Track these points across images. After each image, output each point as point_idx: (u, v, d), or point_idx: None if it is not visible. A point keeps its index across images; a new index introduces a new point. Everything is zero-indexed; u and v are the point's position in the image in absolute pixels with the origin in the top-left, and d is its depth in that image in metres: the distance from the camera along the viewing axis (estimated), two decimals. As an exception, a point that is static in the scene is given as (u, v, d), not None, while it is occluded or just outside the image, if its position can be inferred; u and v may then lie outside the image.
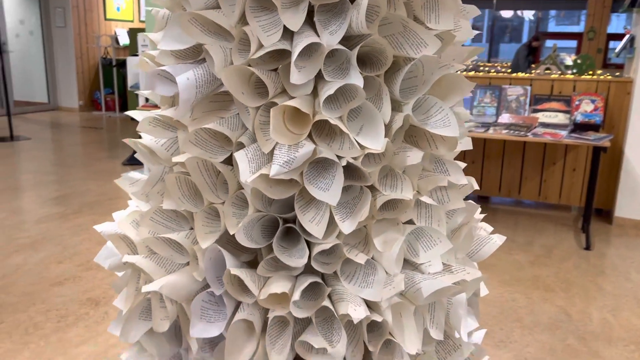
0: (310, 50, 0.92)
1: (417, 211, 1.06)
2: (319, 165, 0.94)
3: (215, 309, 0.98)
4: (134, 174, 1.21)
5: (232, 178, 0.96)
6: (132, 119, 9.04)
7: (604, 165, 4.38)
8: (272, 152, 0.92)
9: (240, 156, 0.90)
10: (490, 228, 1.27)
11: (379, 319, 0.93)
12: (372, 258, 1.00)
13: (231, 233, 0.92)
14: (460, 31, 1.00)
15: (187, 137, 0.94)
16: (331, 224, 0.95)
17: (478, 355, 1.19)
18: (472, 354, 1.19)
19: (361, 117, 0.94)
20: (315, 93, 0.94)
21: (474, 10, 1.05)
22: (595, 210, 4.53)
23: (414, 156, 0.95)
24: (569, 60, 7.14)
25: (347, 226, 0.92)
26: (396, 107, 0.97)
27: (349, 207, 0.96)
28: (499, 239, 1.20)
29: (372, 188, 0.98)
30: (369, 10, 0.91)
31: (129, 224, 1.10)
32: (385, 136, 0.92)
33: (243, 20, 0.94)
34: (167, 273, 1.00)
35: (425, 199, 1.03)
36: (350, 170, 0.96)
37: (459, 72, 0.97)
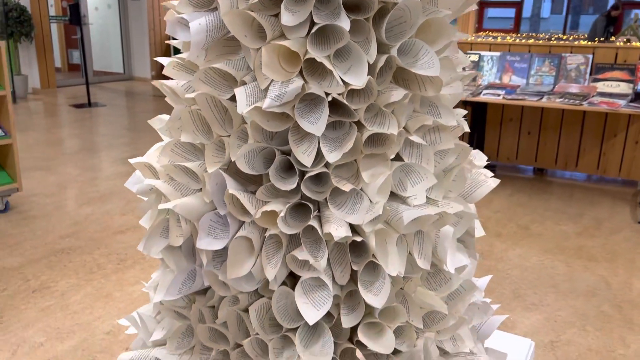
0: (304, -3, 1.02)
1: (408, 150, 1.15)
2: (311, 103, 1.05)
3: (221, 228, 1.12)
4: (164, 116, 1.37)
5: (237, 113, 1.09)
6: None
7: (669, 139, 4.17)
8: (267, 89, 1.04)
9: (239, 91, 1.02)
10: (490, 174, 1.33)
11: (358, 239, 1.04)
12: (361, 189, 1.10)
13: (232, 159, 1.06)
14: (447, -22, 1.06)
15: (197, 75, 1.07)
16: (319, 155, 1.06)
17: (469, 289, 1.27)
18: (463, 288, 1.27)
19: (350, 58, 1.03)
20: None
21: (468, -40, 1.11)
22: (658, 186, 4.35)
23: (397, 94, 1.03)
24: (651, 30, 6.72)
25: (333, 156, 1.03)
26: (385, 50, 1.06)
27: (338, 142, 1.06)
28: (493, 182, 1.27)
29: (360, 125, 1.07)
30: (359, -41, 0.99)
31: (155, 157, 1.25)
32: (371, 75, 1.01)
33: (248, -29, 1.05)
34: (182, 196, 1.16)
35: (414, 138, 1.11)
36: (339, 107, 1.06)
37: (443, 18, 1.04)
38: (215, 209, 1.15)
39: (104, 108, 7.54)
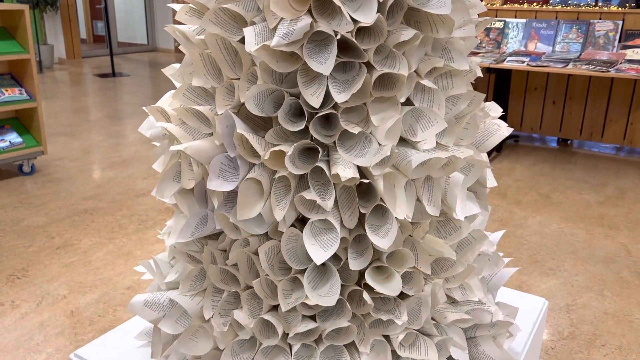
0: None
1: (420, 95, 1.14)
2: (320, 43, 1.05)
3: (231, 171, 1.13)
4: (177, 65, 1.38)
5: (246, 55, 1.09)
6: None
7: (700, 108, 4.05)
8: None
9: (248, 30, 1.02)
10: (504, 124, 1.32)
11: (365, 181, 1.04)
12: (371, 133, 1.10)
13: (242, 100, 1.06)
14: None
15: (207, 16, 1.07)
16: (328, 97, 1.06)
17: (479, 239, 1.27)
18: (473, 237, 1.27)
19: (360, -2, 1.02)
20: (319, -25, 1.03)
21: None
22: (687, 157, 4.23)
23: (407, 33, 1.02)
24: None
25: (341, 97, 1.03)
26: (396, -10, 1.04)
27: (347, 84, 1.06)
28: (506, 130, 1.25)
29: (370, 67, 1.07)
30: None
31: (168, 102, 1.27)
32: (381, 13, 1.00)
33: None
34: (194, 140, 1.17)
35: (425, 82, 1.10)
36: (350, 48, 1.05)
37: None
38: (226, 151, 1.16)
39: (127, 78, 7.61)
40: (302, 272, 1.15)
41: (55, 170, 3.81)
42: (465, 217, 1.23)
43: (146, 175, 3.74)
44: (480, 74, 1.19)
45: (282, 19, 1.02)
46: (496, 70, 4.19)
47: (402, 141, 1.14)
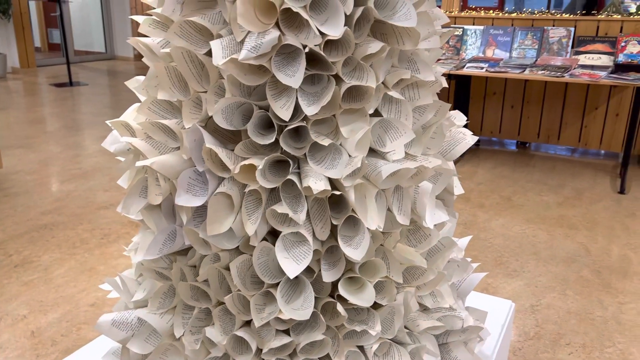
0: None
1: (387, 106, 1.15)
2: (288, 56, 1.04)
3: (200, 186, 1.12)
4: (142, 77, 1.35)
5: (213, 68, 1.08)
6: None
7: (649, 110, 4.22)
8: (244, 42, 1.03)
9: (215, 43, 1.01)
10: (469, 133, 1.34)
11: (337, 192, 1.04)
12: (340, 145, 1.10)
13: (210, 114, 1.05)
14: None
15: (172, 29, 1.06)
16: (300, 111, 1.06)
17: (448, 246, 1.28)
18: (442, 245, 1.29)
19: (327, 10, 1.02)
20: (285, -12, 1.03)
21: None
22: (638, 158, 4.41)
23: (375, 46, 1.03)
24: (633, 7, 6.75)
25: (311, 110, 1.03)
26: (361, 2, 1.05)
27: (316, 96, 1.06)
28: (471, 139, 1.27)
29: (338, 79, 1.07)
30: None
31: (132, 116, 1.24)
32: (348, 26, 1.00)
33: None
34: (160, 154, 1.15)
35: (393, 93, 1.11)
36: (317, 61, 1.05)
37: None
38: (194, 166, 1.14)
39: (85, 87, 7.43)
40: (275, 286, 1.14)
41: (12, 184, 3.68)
42: (435, 225, 1.25)
43: (107, 188, 3.65)
44: (445, 84, 1.21)
45: (249, 32, 1.01)
46: (456, 76, 4.27)
47: (372, 152, 1.15)
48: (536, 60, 4.20)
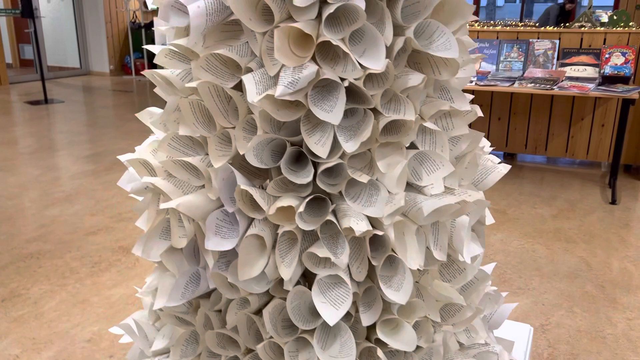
0: (314, -24, 0.95)
1: (421, 137, 1.10)
2: (323, 89, 0.99)
3: (228, 227, 1.05)
4: (154, 109, 1.28)
5: (242, 103, 1.01)
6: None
7: (633, 120, 4.28)
8: (277, 76, 0.97)
9: (247, 79, 0.95)
10: (497, 160, 1.30)
11: (380, 233, 0.99)
12: (376, 180, 1.04)
13: (241, 153, 0.98)
14: (462, -45, 1.01)
15: (199, 62, 0.99)
16: (336, 146, 1.00)
17: (482, 279, 1.24)
18: (476, 279, 1.24)
19: (364, 41, 0.97)
20: (319, 19, 0.97)
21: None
22: (623, 167, 4.46)
23: (415, 78, 0.98)
24: (605, 17, 6.88)
25: (350, 146, 0.97)
26: (399, 32, 1.00)
27: (353, 130, 1.00)
28: (504, 168, 1.23)
29: (375, 112, 1.01)
30: None
31: (149, 153, 1.17)
32: (387, 58, 0.95)
33: (250, -52, 0.97)
34: (184, 194, 1.07)
35: (428, 124, 1.06)
36: (354, 93, 1.00)
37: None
38: (221, 206, 1.07)
39: (61, 104, 7.24)
40: (310, 331, 1.07)
41: (-8, 210, 3.52)
42: (470, 258, 1.20)
43: (94, 212, 3.52)
44: (480, 113, 1.17)
45: (283, 65, 0.95)
46: (445, 89, 4.26)
47: (408, 185, 1.09)
48: (523, 73, 4.23)
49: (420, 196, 1.05)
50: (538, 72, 4.16)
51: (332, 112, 0.95)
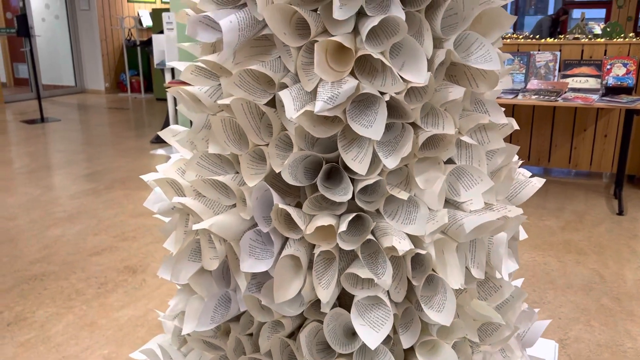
0: (351, -11, 0.92)
1: (458, 151, 1.07)
2: (361, 104, 0.96)
3: (262, 247, 1.01)
4: (176, 127, 1.25)
5: (276, 119, 0.98)
6: (158, 99, 9.15)
7: (637, 131, 4.29)
8: (314, 91, 0.94)
9: (285, 94, 0.92)
10: (528, 173, 1.27)
11: (422, 252, 0.95)
12: (414, 196, 1.01)
13: (277, 171, 0.95)
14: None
15: (232, 79, 0.96)
16: (373, 162, 0.97)
17: (518, 297, 1.20)
18: (512, 296, 1.20)
19: (403, 53, 0.94)
20: (356, 31, 0.95)
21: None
22: (627, 177, 4.46)
23: (456, 92, 0.95)
24: (598, 29, 6.94)
25: (390, 162, 0.94)
26: (437, 44, 0.98)
27: (391, 145, 0.97)
28: (538, 182, 1.21)
29: (414, 126, 0.99)
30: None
31: (174, 172, 1.13)
32: (428, 71, 0.92)
33: (283, -39, 0.95)
34: (215, 214, 1.04)
35: (466, 138, 1.04)
36: (392, 108, 0.97)
37: (500, 7, 0.97)
38: (253, 226, 1.04)
39: (58, 123, 7.19)
40: (347, 355, 1.03)
41: (-8, 232, 3.46)
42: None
43: (97, 231, 3.46)
44: (516, 126, 1.14)
45: (321, 80, 0.92)
46: (448, 102, 4.25)
47: (445, 202, 1.06)
48: (526, 85, 4.24)
49: (459, 212, 1.02)
50: (540, 84, 4.17)
51: (371, 127, 0.92)
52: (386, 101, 0.94)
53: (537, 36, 4.70)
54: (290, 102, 0.91)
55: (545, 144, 4.60)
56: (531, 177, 1.25)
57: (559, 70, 4.28)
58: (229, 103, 0.97)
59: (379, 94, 0.92)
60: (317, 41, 0.92)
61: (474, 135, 1.09)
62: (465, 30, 0.97)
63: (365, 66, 0.96)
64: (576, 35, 6.10)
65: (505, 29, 0.99)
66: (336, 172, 1.02)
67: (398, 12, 0.89)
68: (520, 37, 5.10)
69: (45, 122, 7.18)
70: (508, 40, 4.61)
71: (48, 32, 9.85)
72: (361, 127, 0.92)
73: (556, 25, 8.68)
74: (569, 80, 4.17)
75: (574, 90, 4.04)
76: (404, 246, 0.92)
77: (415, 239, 1.00)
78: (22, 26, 6.81)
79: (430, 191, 0.98)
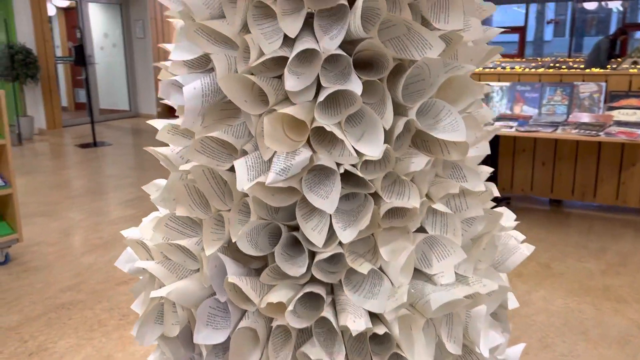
0: (310, 56, 0.90)
1: (432, 219, 1.02)
2: (320, 173, 0.93)
3: (222, 316, 0.99)
4: (160, 181, 1.25)
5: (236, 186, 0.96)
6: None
7: (691, 166, 4.02)
8: (272, 160, 0.92)
9: (239, 164, 0.90)
10: (521, 237, 1.20)
11: (381, 331, 0.90)
12: (380, 268, 0.97)
13: (233, 240, 0.93)
14: (469, 31, 0.95)
15: (193, 145, 0.95)
16: (334, 233, 0.94)
17: (505, 371, 1.12)
18: (497, 370, 1.12)
19: (363, 123, 0.91)
20: (316, 100, 0.93)
21: (490, 8, 1.00)
22: (682, 215, 4.17)
23: (418, 162, 0.91)
24: (658, 52, 6.62)
25: (347, 235, 0.90)
26: (402, 111, 0.94)
27: (352, 215, 0.94)
28: (527, 249, 1.13)
29: (377, 196, 0.95)
30: (370, 13, 0.88)
31: (150, 229, 1.13)
32: (388, 142, 0.89)
33: (246, 28, 0.95)
34: (179, 279, 1.03)
35: (438, 206, 0.99)
36: (353, 178, 0.93)
37: (469, 74, 0.92)
38: (215, 293, 1.02)
39: (109, 147, 7.49)
40: None
41: (32, 257, 3.61)
42: (489, 349, 1.09)
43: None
44: (497, 193, 1.08)
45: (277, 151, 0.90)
46: (484, 135, 4.13)
47: (416, 272, 1.01)
48: (567, 118, 4.07)
49: (428, 286, 0.97)
50: (583, 117, 3.99)
51: (327, 198, 0.89)
52: (346, 170, 0.91)
53: (582, 66, 4.51)
54: (244, 172, 0.89)
55: (591, 178, 4.38)
56: (523, 242, 1.17)
57: (605, 102, 4.09)
58: (189, 169, 0.96)
59: (334, 166, 0.89)
60: (276, 110, 0.90)
61: (451, 201, 1.04)
62: (431, 97, 0.93)
63: (326, 135, 0.93)
64: (635, 59, 5.83)
65: (477, 95, 0.94)
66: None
67: (354, 83, 0.86)
68: (577, 59, 4.89)
69: (97, 147, 7.50)
70: (551, 70, 4.45)
71: (106, 59, 10.35)
72: (318, 197, 0.90)
73: (614, 47, 8.33)
74: (615, 112, 3.97)
75: (619, 123, 3.84)
76: (358, 326, 0.88)
77: (380, 315, 0.95)
78: (79, 56, 7.19)
79: (394, 264, 0.94)
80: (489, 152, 1.05)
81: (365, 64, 0.94)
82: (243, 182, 0.88)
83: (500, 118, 4.22)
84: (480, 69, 4.77)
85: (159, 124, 1.15)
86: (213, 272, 0.96)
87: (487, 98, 4.46)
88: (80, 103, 11.03)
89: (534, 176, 4.59)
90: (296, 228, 0.98)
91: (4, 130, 3.37)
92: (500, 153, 4.63)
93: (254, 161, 0.92)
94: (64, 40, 10.92)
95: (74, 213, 4.56)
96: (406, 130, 0.95)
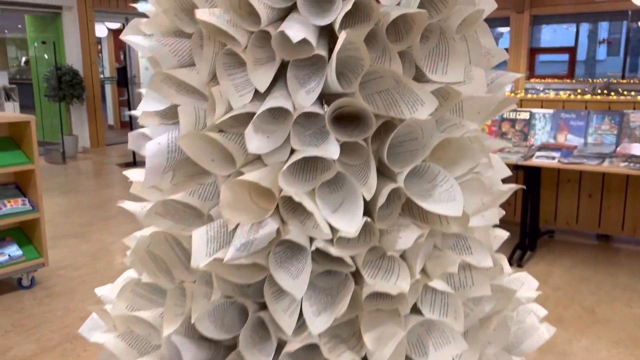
0: (284, 112, 0.78)
1: (429, 298, 0.87)
2: (293, 245, 0.80)
3: (184, 402, 0.87)
4: (139, 233, 1.15)
5: (203, 255, 0.85)
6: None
7: None
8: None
9: (197, 235, 0.78)
10: (542, 312, 1.03)
11: None
12: (365, 357, 0.83)
13: (192, 321, 0.81)
14: (471, 84, 0.80)
15: (153, 209, 0.85)
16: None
17: None
18: None
19: (344, 190, 0.78)
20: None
21: (501, 54, 0.85)
22: None
23: (407, 238, 0.77)
24: None
25: (319, 324, 0.76)
26: (391, 175, 0.80)
27: (330, 296, 0.80)
28: (547, 332, 0.96)
29: (359, 275, 0.81)
30: (353, 64, 0.76)
31: (119, 289, 1.03)
32: (371, 212, 0.75)
33: (216, 78, 0.84)
34: (139, 355, 0.91)
35: (436, 284, 0.84)
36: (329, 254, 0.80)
37: (465, 138, 0.78)
38: (179, 373, 0.90)
39: (148, 167, 7.57)
40: None
41: (57, 282, 3.61)
42: None
43: (151, 287, 3.49)
44: (508, 269, 0.92)
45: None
46: (525, 166, 3.91)
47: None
48: (616, 149, 3.79)
49: (420, 381, 0.82)
50: (634, 148, 3.71)
51: (297, 278, 0.76)
52: (313, 250, 0.78)
53: (632, 93, 4.23)
54: (202, 245, 0.78)
55: (643, 213, 4.06)
56: (543, 319, 1.00)
57: (658, 132, 3.79)
58: (148, 236, 0.85)
59: (305, 243, 0.76)
60: (243, 172, 0.78)
61: (454, 276, 0.88)
62: (425, 160, 0.79)
63: (299, 204, 0.80)
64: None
65: (477, 160, 0.79)
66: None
67: (330, 147, 0.73)
68: (632, 80, 4.59)
69: (137, 166, 7.60)
70: (598, 97, 4.18)
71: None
72: (287, 276, 0.77)
73: None
74: (669, 144, 3.67)
75: (674, 156, 3.54)
76: None
77: (361, 412, 0.80)
78: (122, 77, 7.35)
79: (380, 354, 0.79)
80: (496, 221, 0.90)
81: (348, 119, 0.81)
82: (199, 257, 0.76)
83: (542, 148, 3.97)
84: (522, 93, 4.55)
85: (134, 174, 1.05)
86: (172, 353, 0.84)
87: (529, 125, 4.23)
88: (125, 122, 11.29)
89: (579, 209, 4.30)
90: (266, 306, 0.85)
91: (33, 156, 3.40)
92: (543, 183, 4.37)
93: (217, 230, 0.80)
94: (112, 60, 11.25)
95: (105, 235, 4.57)
96: (396, 196, 0.81)
